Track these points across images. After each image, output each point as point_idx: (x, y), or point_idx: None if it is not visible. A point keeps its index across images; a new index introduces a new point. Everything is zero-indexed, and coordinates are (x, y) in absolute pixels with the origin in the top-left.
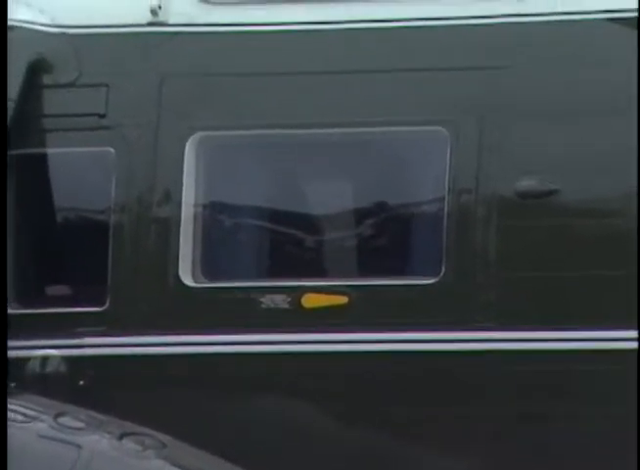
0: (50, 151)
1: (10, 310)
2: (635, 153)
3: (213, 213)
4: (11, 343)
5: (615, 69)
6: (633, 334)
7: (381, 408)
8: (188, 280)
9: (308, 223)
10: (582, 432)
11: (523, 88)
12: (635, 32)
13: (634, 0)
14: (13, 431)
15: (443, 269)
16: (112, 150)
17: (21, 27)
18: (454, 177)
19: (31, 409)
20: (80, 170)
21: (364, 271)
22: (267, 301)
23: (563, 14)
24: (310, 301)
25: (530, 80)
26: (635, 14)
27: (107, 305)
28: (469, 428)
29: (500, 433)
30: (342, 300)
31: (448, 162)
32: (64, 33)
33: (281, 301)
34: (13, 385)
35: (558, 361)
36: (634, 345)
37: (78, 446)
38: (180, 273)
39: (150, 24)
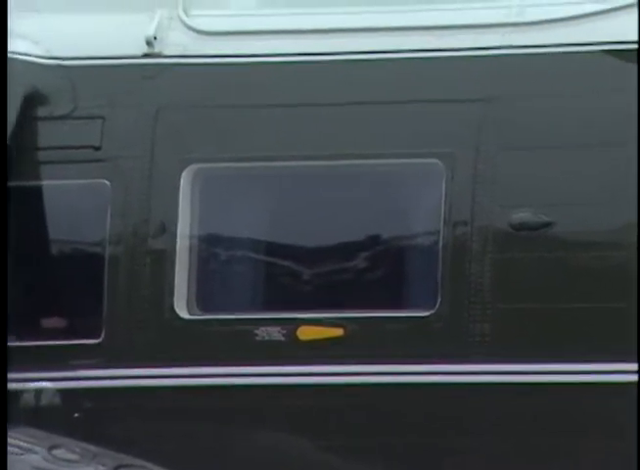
0: (45, 183)
1: None
2: (631, 184)
3: (208, 245)
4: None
5: (609, 100)
6: (631, 367)
7: (377, 440)
8: (183, 312)
9: (303, 255)
10: (578, 465)
11: (518, 121)
12: (631, 64)
13: (632, 32)
14: (8, 463)
15: (439, 301)
16: (107, 182)
17: (15, 59)
18: (449, 210)
19: (25, 442)
20: (75, 203)
21: (359, 303)
22: (262, 333)
23: (556, 46)
24: (305, 333)
25: (526, 113)
26: (632, 45)
27: (102, 337)
28: (464, 460)
29: (495, 465)
30: (338, 332)
31: (444, 194)
32: (59, 65)
33: (276, 333)
34: None
35: (553, 394)
36: (633, 377)
37: None
38: (175, 305)
39: (145, 56)
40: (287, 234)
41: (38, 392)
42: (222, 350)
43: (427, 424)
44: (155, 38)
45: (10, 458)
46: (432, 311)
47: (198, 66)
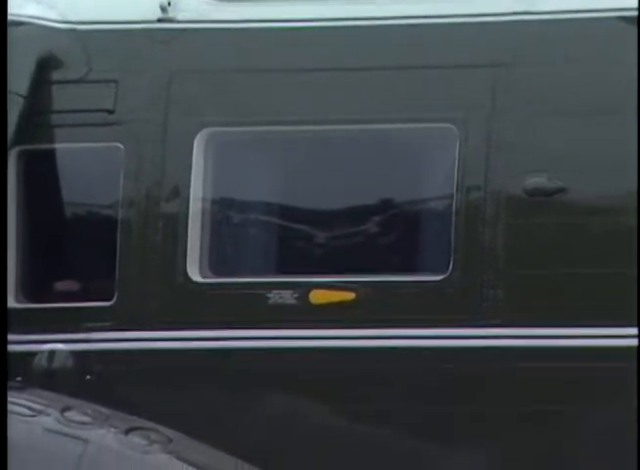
0: (59, 146)
1: (18, 305)
2: None
3: (221, 209)
4: (19, 337)
5: (623, 66)
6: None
7: (388, 404)
8: (195, 275)
9: (316, 219)
10: (587, 429)
11: (532, 86)
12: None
13: None
14: (20, 425)
15: (451, 266)
16: (120, 146)
17: (30, 23)
18: (463, 175)
19: (38, 403)
20: (89, 166)
21: (372, 267)
22: (275, 296)
23: (571, 12)
24: (318, 296)
25: (540, 78)
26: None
27: (114, 299)
28: (475, 424)
29: (506, 429)
30: (350, 296)
31: (457, 159)
32: (73, 29)
33: (288, 296)
34: (19, 379)
35: (566, 358)
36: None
37: (85, 441)
38: (188, 268)
39: (159, 21)
40: (300, 198)
41: (51, 354)
42: (235, 313)
43: (438, 388)
44: (169, 4)
45: (23, 420)
46: (444, 276)
47: (211, 31)
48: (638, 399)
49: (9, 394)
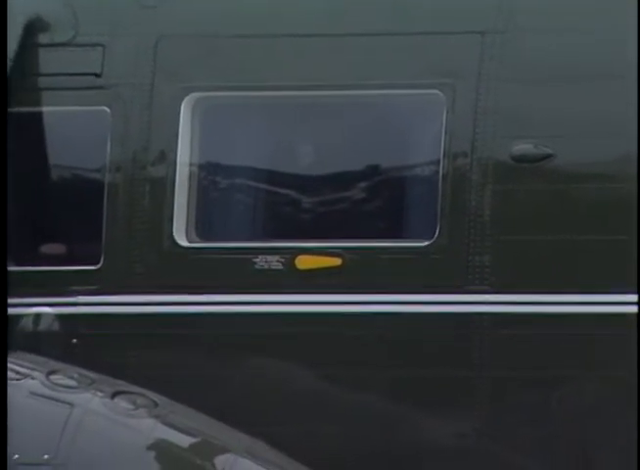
0: (46, 109)
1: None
2: (632, 117)
3: (208, 174)
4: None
5: (611, 32)
6: (630, 298)
7: (374, 370)
8: (182, 240)
9: (303, 185)
10: (575, 396)
11: (519, 52)
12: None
13: None
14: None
15: (437, 232)
16: (107, 109)
17: None
18: (450, 141)
19: (24, 367)
20: (76, 129)
21: (358, 233)
22: (261, 261)
23: None
24: (304, 262)
25: (527, 44)
26: None
27: (101, 263)
28: (462, 390)
29: (494, 395)
30: (336, 261)
31: (444, 125)
32: None
33: (274, 262)
34: None
35: (552, 325)
36: (631, 309)
37: (70, 405)
38: (174, 233)
39: None
40: (286, 163)
41: (37, 317)
42: (221, 277)
43: (424, 354)
44: None
45: (8, 383)
46: (430, 242)
47: None
48: (638, 368)
49: None
